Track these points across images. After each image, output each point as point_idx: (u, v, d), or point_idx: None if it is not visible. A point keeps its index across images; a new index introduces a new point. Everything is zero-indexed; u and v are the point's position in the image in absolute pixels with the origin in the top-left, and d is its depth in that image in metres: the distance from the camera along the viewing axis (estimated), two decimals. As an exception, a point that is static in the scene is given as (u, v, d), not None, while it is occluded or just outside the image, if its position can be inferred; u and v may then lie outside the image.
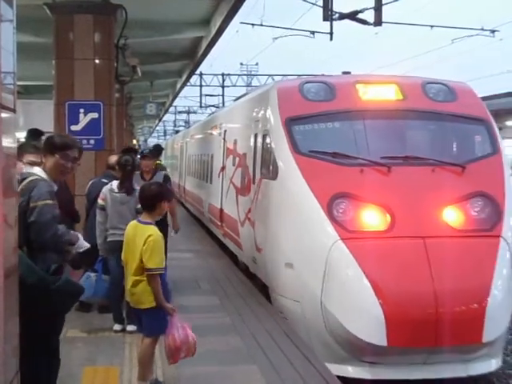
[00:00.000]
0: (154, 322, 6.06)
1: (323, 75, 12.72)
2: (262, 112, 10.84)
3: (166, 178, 10.28)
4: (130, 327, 8.24)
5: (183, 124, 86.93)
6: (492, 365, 8.37)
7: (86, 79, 11.64)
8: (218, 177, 15.58)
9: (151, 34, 18.17)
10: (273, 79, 58.38)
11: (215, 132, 17.71)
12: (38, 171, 5.15)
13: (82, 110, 11.40)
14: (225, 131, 15.50)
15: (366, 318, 7.67)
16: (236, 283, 11.76)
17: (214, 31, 17.52)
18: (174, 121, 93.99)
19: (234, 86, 59.18)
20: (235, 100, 17.72)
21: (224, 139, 15.22)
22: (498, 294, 7.93)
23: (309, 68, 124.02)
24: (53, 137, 5.66)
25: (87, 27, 11.64)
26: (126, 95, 24.84)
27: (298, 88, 9.86)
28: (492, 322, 7.75)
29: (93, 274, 8.49)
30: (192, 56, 23.45)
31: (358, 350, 7.81)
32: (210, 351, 7.56)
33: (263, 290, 10.52)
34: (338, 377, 7.17)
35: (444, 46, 39.13)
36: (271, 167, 9.94)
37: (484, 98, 34.54)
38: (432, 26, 32.08)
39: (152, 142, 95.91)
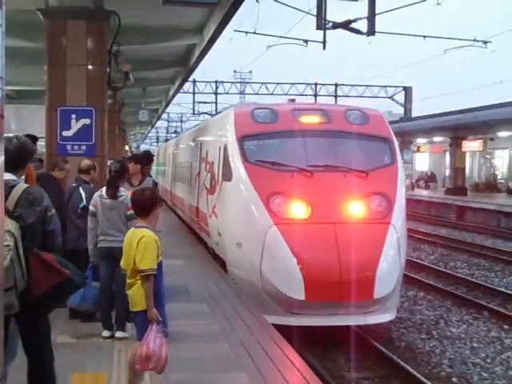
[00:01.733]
0: (143, 325, 6.04)
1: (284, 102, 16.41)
2: (224, 130, 13.80)
3: (154, 184, 10.31)
4: (119, 334, 8.25)
5: (176, 131, 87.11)
6: (386, 317, 11.55)
7: (78, 85, 11.69)
8: (195, 181, 18.25)
9: (144, 40, 18.23)
10: (266, 87, 58.65)
11: (194, 143, 20.65)
12: (20, 179, 5.27)
13: (73, 116, 11.43)
14: (201, 143, 18.47)
15: (290, 280, 10.67)
16: (226, 290, 11.74)
17: (207, 39, 17.58)
18: (167, 127, 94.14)
19: (227, 93, 59.24)
20: (212, 116, 21.50)
21: (200, 150, 18.13)
22: (386, 263, 10.98)
23: (302, 76, 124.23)
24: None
25: (80, 33, 11.70)
26: (118, 101, 24.85)
27: (250, 113, 13.09)
28: (381, 284, 10.79)
29: (83, 280, 8.48)
30: (185, 63, 23.51)
31: (285, 304, 10.77)
32: (198, 358, 7.58)
33: (223, 265, 13.36)
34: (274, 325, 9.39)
35: (437, 56, 39.31)
36: (228, 171, 12.79)
37: (475, 109, 34.79)
38: (425, 37, 32.33)
39: (145, 148, 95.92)
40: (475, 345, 12.08)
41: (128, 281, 6.11)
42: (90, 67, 11.75)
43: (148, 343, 5.88)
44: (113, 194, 8.38)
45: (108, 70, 13.41)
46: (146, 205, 6.23)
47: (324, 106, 14.18)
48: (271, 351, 7.98)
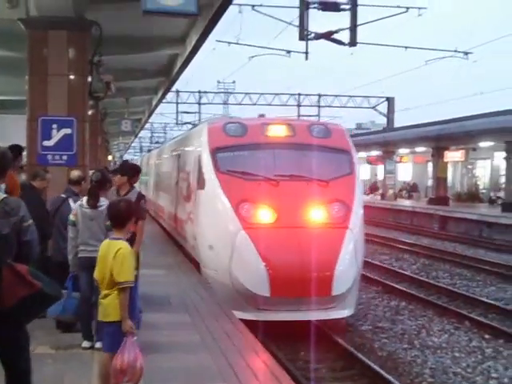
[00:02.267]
0: (114, 336, 5.99)
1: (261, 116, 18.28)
2: (199, 143, 14.86)
3: (140, 196, 10.29)
4: (99, 344, 8.20)
5: (158, 141, 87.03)
6: (345, 312, 12.66)
7: (59, 95, 11.66)
8: (174, 190, 19.48)
9: (127, 50, 18.18)
10: (249, 98, 58.75)
11: (173, 155, 21.83)
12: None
13: (54, 126, 11.40)
14: (178, 155, 19.66)
15: (257, 279, 11.66)
16: (208, 300, 11.73)
17: (189, 49, 17.58)
18: (151, 137, 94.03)
19: (211, 103, 59.30)
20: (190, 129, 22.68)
21: (178, 161, 19.40)
22: (343, 264, 11.99)
23: (285, 86, 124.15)
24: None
25: (61, 43, 11.68)
26: (101, 111, 24.79)
27: (222, 127, 14.15)
28: (338, 283, 11.87)
29: (63, 291, 8.45)
30: (168, 73, 23.49)
31: (253, 301, 11.74)
32: (178, 368, 7.56)
33: (197, 266, 14.45)
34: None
35: (418, 67, 39.58)
36: (202, 181, 13.83)
37: (457, 120, 34.99)
38: (406, 47, 32.54)
39: (128, 158, 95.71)
40: (456, 354, 12.09)
41: (104, 292, 6.08)
42: (71, 77, 11.72)
43: (123, 355, 5.85)
44: (93, 203, 8.35)
45: (89, 80, 13.39)
46: (122, 216, 6.21)
47: (290, 121, 15.32)
48: (253, 362, 7.98)
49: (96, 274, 6.23)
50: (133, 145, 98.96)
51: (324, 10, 22.89)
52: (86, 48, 12.30)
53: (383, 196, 50.05)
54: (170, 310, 10.99)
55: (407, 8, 28.08)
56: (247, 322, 10.52)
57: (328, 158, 13.75)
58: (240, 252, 11.99)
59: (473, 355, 12.07)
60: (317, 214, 12.62)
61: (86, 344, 8.36)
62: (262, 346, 8.87)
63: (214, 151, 13.59)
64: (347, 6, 22.71)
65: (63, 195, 9.42)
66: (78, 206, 8.46)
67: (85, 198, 8.52)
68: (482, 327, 13.82)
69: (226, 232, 12.41)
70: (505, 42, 32.45)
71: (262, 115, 17.32)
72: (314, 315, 12.17)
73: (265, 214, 12.49)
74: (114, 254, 5.99)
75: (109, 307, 6.03)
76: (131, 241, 9.28)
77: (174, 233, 19.60)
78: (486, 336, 13.27)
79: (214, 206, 13.13)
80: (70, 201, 9.27)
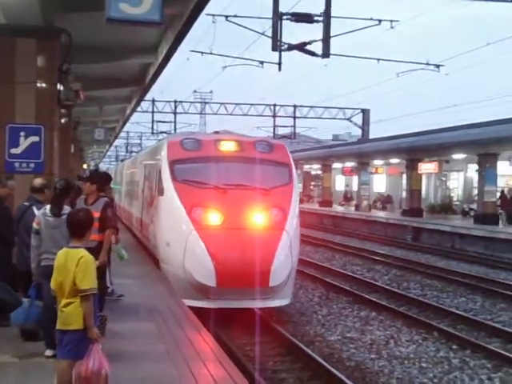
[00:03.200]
0: (76, 345, 5.97)
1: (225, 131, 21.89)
2: (160, 156, 16.69)
3: (106, 205, 10.24)
4: (50, 352, 8.12)
5: (132, 151, 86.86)
6: (282, 302, 14.68)
7: (27, 103, 11.59)
8: (141, 197, 21.34)
9: (99, 59, 18.13)
10: (225, 108, 58.78)
11: (140, 166, 23.65)
12: None
13: (22, 134, 11.29)
14: (145, 166, 21.59)
15: (205, 272, 13.49)
16: (175, 310, 11.69)
17: (161, 58, 17.57)
18: (127, 146, 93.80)
19: (187, 113, 59.22)
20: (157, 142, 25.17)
21: (144, 171, 21.28)
22: (279, 260, 13.83)
23: (261, 97, 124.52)
24: None
25: (30, 51, 11.63)
26: (73, 120, 24.68)
27: (180, 142, 16.07)
28: (274, 276, 13.70)
29: (26, 300, 8.39)
30: (141, 82, 23.46)
31: (202, 291, 13.58)
32: (141, 379, 7.52)
33: (157, 263, 16.25)
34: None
35: (390, 79, 39.83)
36: (161, 188, 15.69)
37: (431, 132, 35.22)
38: (378, 60, 32.72)
39: (104, 167, 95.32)
40: (423, 365, 12.14)
41: (64, 300, 6.04)
42: (39, 85, 11.66)
43: (88, 363, 5.82)
44: (57, 211, 8.29)
45: (59, 88, 13.33)
46: (81, 225, 6.20)
47: (238, 138, 17.25)
48: (216, 372, 7.94)
49: (52, 284, 6.19)
50: (109, 154, 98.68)
51: (297, 21, 22.98)
52: (54, 56, 12.25)
53: (357, 207, 50.21)
54: (136, 319, 10.93)
55: (380, 21, 28.29)
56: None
57: (269, 170, 15.59)
58: (191, 249, 13.87)
59: (440, 365, 12.12)
60: (258, 218, 14.52)
61: (48, 352, 8.28)
62: (227, 355, 8.85)
63: (172, 163, 15.49)
64: (320, 18, 22.87)
65: (26, 203, 9.31)
66: (41, 215, 8.39)
67: (48, 206, 8.46)
68: (449, 338, 13.90)
69: (180, 232, 14.28)
70: (475, 54, 32.77)
71: (216, 132, 19.22)
72: (255, 304, 14.17)
73: (213, 217, 14.37)
74: (76, 262, 5.96)
75: (71, 315, 6.00)
76: (98, 250, 9.27)
77: (140, 235, 21.54)
78: (454, 346, 13.34)
79: (171, 210, 15.06)
80: (34, 209, 9.19)
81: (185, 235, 14.05)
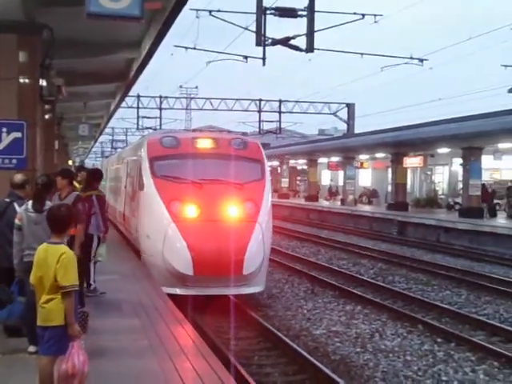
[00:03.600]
0: (57, 341, 5.95)
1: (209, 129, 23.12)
2: (140, 153, 17.52)
3: (77, 199, 10.22)
4: (33, 348, 8.09)
5: (115, 147, 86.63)
6: (256, 289, 15.66)
7: (9, 98, 11.50)
8: (123, 192, 22.12)
9: (82, 54, 17.99)
10: (210, 103, 58.75)
11: (122, 163, 24.56)
12: None
13: (4, 129, 11.19)
14: (127, 162, 22.28)
15: (183, 261, 14.31)
16: (160, 306, 11.67)
17: (144, 53, 17.50)
18: (112, 142, 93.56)
19: (172, 108, 59.12)
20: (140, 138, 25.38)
21: (126, 167, 22.03)
22: (252, 250, 14.71)
23: (247, 92, 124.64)
24: None
25: (11, 46, 11.53)
26: (57, 116, 24.56)
27: (159, 140, 16.86)
28: (248, 264, 14.57)
29: (8, 296, 8.34)
30: (125, 77, 23.36)
31: (180, 279, 14.43)
32: (124, 374, 7.51)
33: (138, 254, 17.30)
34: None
35: (374, 73, 39.96)
36: (142, 184, 16.57)
37: (416, 126, 35.33)
38: (362, 54, 32.77)
39: (88, 163, 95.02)
40: (408, 358, 12.18)
41: (45, 296, 6.02)
42: (21, 81, 11.59)
43: (73, 359, 5.82)
44: (39, 207, 8.25)
45: (41, 83, 13.25)
46: (62, 221, 6.18)
47: (215, 135, 18.09)
48: (199, 366, 7.94)
49: (32, 279, 6.16)
50: (94, 150, 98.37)
51: (281, 16, 22.98)
52: (36, 51, 12.18)
53: (343, 201, 50.30)
54: (120, 315, 10.91)
55: (363, 15, 28.30)
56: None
57: (243, 165, 16.41)
58: (170, 240, 14.69)
59: (424, 358, 12.16)
60: (232, 211, 15.34)
61: (31, 349, 8.24)
62: (210, 349, 8.85)
63: (152, 160, 16.30)
64: (304, 13, 22.87)
65: (7, 199, 9.24)
66: (23, 211, 8.35)
67: (30, 202, 8.42)
68: (434, 331, 13.94)
69: (160, 224, 15.10)
70: (458, 48, 32.91)
71: (194, 130, 20.94)
72: (230, 291, 15.05)
73: (190, 210, 15.15)
74: (57, 259, 5.94)
75: (52, 312, 5.98)
76: (70, 244, 9.23)
77: (123, 229, 22.39)
78: (439, 339, 13.39)
79: (151, 204, 15.85)
80: (15, 205, 9.12)
81: (164, 227, 14.87)
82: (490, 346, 12.64)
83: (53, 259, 5.96)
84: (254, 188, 16.10)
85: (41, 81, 13.19)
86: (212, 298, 14.96)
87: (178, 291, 14.37)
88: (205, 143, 16.77)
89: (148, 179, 16.07)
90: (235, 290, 15.04)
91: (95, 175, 13.65)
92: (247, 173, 16.35)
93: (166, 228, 14.82)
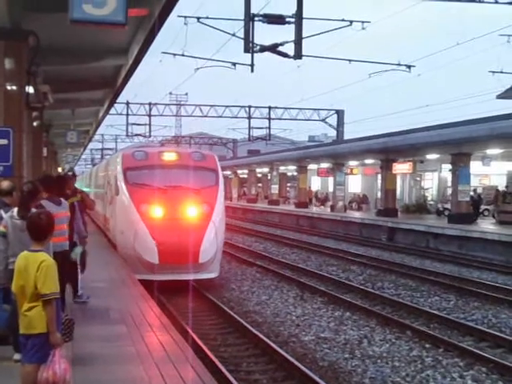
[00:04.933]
0: (40, 349, 5.92)
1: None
2: (116, 164, 20.52)
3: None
4: (18, 356, 8.04)
5: (110, 153, 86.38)
6: (211, 275, 18.75)
7: (-5, 105, 11.42)
8: (104, 198, 25.12)
9: (68, 60, 17.92)
10: (200, 109, 58.73)
11: (103, 172, 28.21)
12: None
13: (-10, 136, 11.18)
14: (106, 172, 25.69)
15: (150, 252, 17.36)
16: (147, 313, 11.64)
17: (131, 60, 17.47)
18: (102, 149, 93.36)
19: (161, 115, 59.08)
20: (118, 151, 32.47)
21: (107, 177, 24.79)
22: (206, 243, 17.94)
23: (237, 99, 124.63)
24: None
25: (-3, 53, 11.44)
26: (45, 122, 24.49)
27: (132, 154, 20.42)
28: (203, 254, 17.76)
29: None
30: (113, 84, 23.31)
31: (148, 267, 17.15)
32: (110, 381, 7.48)
33: (115, 248, 20.52)
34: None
35: (362, 80, 40.10)
36: (117, 190, 19.70)
37: (405, 132, 35.26)
38: (350, 61, 32.82)
39: (79, 170, 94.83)
40: (396, 364, 12.17)
41: (27, 304, 5.98)
42: (7, 87, 11.54)
43: (54, 368, 5.78)
44: (24, 214, 8.20)
45: (27, 90, 13.20)
46: (42, 229, 6.14)
47: (178, 149, 22.82)
48: (186, 374, 7.91)
49: (13, 288, 6.12)
50: (84, 157, 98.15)
51: (269, 22, 23.00)
52: (22, 58, 12.13)
53: (333, 208, 50.31)
54: (108, 322, 10.89)
55: (351, 21, 28.35)
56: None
57: (201, 174, 19.58)
58: (140, 235, 17.74)
59: (412, 364, 12.15)
60: (191, 211, 18.61)
61: (17, 356, 8.18)
62: (197, 357, 8.82)
63: (125, 170, 19.41)
64: (292, 19, 22.90)
65: None
66: (9, 217, 8.31)
67: (15, 209, 8.38)
68: (423, 337, 13.94)
69: (131, 223, 18.21)
70: (445, 54, 33.05)
71: (163, 144, 26.08)
72: (189, 276, 17.78)
73: (156, 211, 18.29)
74: (37, 267, 5.90)
75: (34, 320, 5.94)
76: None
77: (105, 229, 25.54)
78: (427, 345, 13.39)
79: (124, 206, 18.98)
80: (2, 212, 9.08)
81: (134, 225, 18.00)
82: (479, 352, 12.64)
83: (33, 267, 5.93)
84: (210, 192, 19.31)
85: (27, 88, 13.14)
86: (202, 304, 16.48)
87: (146, 277, 16.70)
88: (169, 156, 20.13)
89: (122, 186, 19.20)
90: (193, 276, 17.92)
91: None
92: (204, 180, 19.57)
93: (136, 225, 17.91)
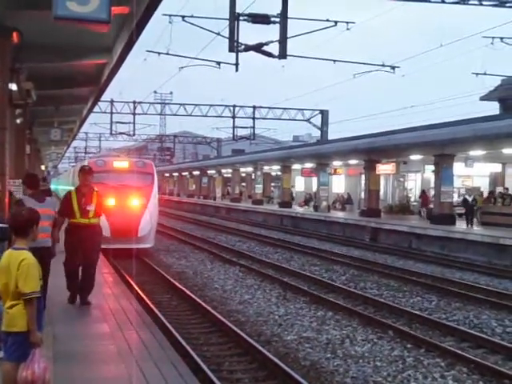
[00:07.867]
0: (20, 347, 5.90)
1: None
2: None
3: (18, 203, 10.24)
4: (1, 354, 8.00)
5: (94, 151, 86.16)
6: (147, 245, 26.93)
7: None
8: None
9: (52, 58, 17.83)
10: (185, 108, 58.72)
11: (74, 174, 33.46)
12: None
13: (-28, 134, 11.12)
14: (73, 176, 34.13)
15: (105, 229, 17.94)
16: (129, 311, 11.62)
17: (115, 58, 17.40)
18: (85, 147, 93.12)
19: (146, 113, 59.01)
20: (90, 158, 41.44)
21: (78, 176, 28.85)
22: (143, 222, 26.20)
23: (218, 98, 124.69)
24: None
25: (-20, 50, 11.37)
26: (29, 120, 24.41)
27: (94, 161, 27.66)
28: (141, 230, 26.01)
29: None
30: (97, 82, 23.26)
31: (104, 239, 16.53)
32: (91, 379, 7.46)
33: None
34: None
35: (346, 80, 40.18)
36: None
37: (388, 133, 35.33)
38: (335, 61, 32.89)
39: (63, 167, 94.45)
40: (378, 363, 12.19)
41: (9, 302, 5.96)
42: (-11, 84, 11.47)
43: (33, 366, 5.76)
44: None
45: (10, 87, 13.12)
46: (24, 225, 6.11)
47: (126, 159, 30.45)
48: (168, 372, 7.90)
49: None
50: (67, 155, 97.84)
51: (254, 22, 23.04)
52: (6, 55, 12.06)
53: (316, 208, 50.38)
54: (89, 320, 10.87)
55: (336, 22, 28.42)
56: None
57: (141, 177, 26.66)
58: (102, 219, 20.89)
59: (394, 364, 12.17)
60: (133, 202, 26.16)
61: (0, 354, 8.16)
62: (179, 355, 8.81)
63: None
64: (277, 19, 22.93)
65: None
66: None
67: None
68: (404, 337, 13.98)
69: None
70: (429, 55, 33.23)
71: (117, 155, 34.00)
72: (132, 245, 23.36)
73: (110, 201, 23.43)
74: (17, 265, 5.88)
75: (15, 317, 5.92)
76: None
77: None
78: (408, 345, 13.42)
79: None
80: None
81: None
82: (460, 352, 12.69)
83: (14, 266, 5.90)
84: (147, 189, 27.01)
85: (10, 85, 13.06)
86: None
87: (103, 246, 19.28)
88: (120, 164, 27.74)
89: None
90: (136, 246, 23.97)
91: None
92: (143, 181, 26.83)
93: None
